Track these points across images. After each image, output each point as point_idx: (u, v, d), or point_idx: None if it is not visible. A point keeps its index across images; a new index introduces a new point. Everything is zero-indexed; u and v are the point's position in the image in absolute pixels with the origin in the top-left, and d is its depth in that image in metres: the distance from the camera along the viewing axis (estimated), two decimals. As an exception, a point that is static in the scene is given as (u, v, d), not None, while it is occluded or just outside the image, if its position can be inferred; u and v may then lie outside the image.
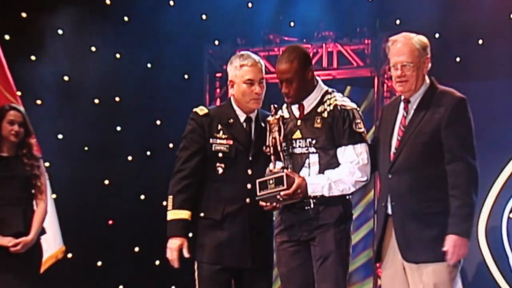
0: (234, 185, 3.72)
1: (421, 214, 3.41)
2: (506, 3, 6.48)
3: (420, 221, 3.41)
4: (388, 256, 3.55)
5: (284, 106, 3.73)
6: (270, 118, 3.64)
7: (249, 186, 3.70)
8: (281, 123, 3.61)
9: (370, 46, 6.99)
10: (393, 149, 3.51)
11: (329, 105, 3.60)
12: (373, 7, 6.81)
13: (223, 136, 3.75)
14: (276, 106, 3.66)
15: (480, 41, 6.58)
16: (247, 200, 3.71)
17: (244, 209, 3.71)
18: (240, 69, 3.77)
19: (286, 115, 3.70)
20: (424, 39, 3.54)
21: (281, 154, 3.60)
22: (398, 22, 6.73)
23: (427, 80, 3.54)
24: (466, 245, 3.34)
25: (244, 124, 3.79)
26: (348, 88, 6.86)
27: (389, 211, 3.51)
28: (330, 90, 3.69)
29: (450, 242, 3.34)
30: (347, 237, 3.60)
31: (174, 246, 3.68)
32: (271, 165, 3.64)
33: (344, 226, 3.58)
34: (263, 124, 3.80)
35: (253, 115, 3.82)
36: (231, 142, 3.75)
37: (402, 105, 3.56)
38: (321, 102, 3.63)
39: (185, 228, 3.69)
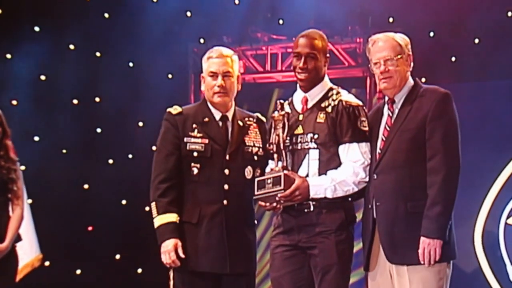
0: (211, 186, 3.70)
1: (407, 214, 3.42)
2: (503, 1, 6.51)
3: (406, 221, 3.42)
4: (378, 265, 3.53)
5: (286, 102, 3.71)
6: (275, 114, 3.62)
7: (226, 187, 3.70)
8: (286, 119, 3.59)
9: (362, 45, 7.01)
10: (378, 150, 3.54)
11: (334, 100, 3.61)
12: (365, 4, 6.81)
13: (198, 135, 3.74)
14: (282, 101, 3.65)
15: (477, 40, 6.59)
16: (225, 202, 3.70)
17: (222, 211, 3.69)
18: (207, 61, 3.80)
19: (288, 111, 3.66)
20: (405, 36, 3.58)
21: (283, 152, 3.58)
22: (391, 20, 6.73)
23: (411, 80, 3.58)
24: (438, 246, 3.36)
25: (220, 123, 3.78)
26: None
27: (375, 214, 3.50)
28: (335, 87, 3.70)
29: (421, 244, 3.39)
30: (349, 246, 3.57)
31: (169, 247, 3.63)
32: (272, 164, 3.62)
33: (346, 233, 3.55)
34: (240, 123, 3.80)
35: (229, 114, 3.81)
36: (206, 141, 3.73)
37: (386, 106, 3.60)
38: (325, 97, 3.64)
39: (176, 230, 3.65)
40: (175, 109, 3.80)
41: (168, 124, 3.77)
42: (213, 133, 3.76)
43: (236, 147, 3.75)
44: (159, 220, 3.68)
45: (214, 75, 3.75)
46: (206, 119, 3.77)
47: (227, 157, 3.73)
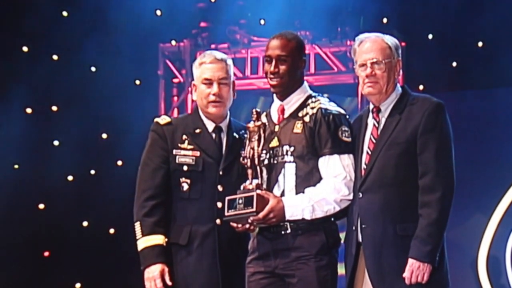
0: (202, 204, 3.73)
1: (396, 237, 3.46)
2: (509, 0, 6.61)
3: (395, 246, 3.46)
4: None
5: (264, 113, 3.74)
6: (250, 125, 3.64)
7: (219, 204, 3.72)
8: (261, 131, 3.61)
9: (353, 48, 7.07)
10: (363, 165, 3.56)
11: (312, 108, 3.64)
12: (357, 3, 6.89)
13: (189, 147, 3.78)
14: (258, 110, 3.65)
15: (480, 44, 6.69)
16: (218, 221, 3.72)
17: (214, 232, 3.72)
18: (199, 67, 3.84)
19: (265, 121, 3.69)
20: (395, 39, 3.65)
21: (258, 168, 3.60)
22: (385, 20, 6.81)
23: (399, 88, 3.63)
24: (428, 271, 3.40)
25: (213, 135, 3.83)
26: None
27: (360, 237, 3.53)
28: (314, 94, 3.72)
29: (408, 267, 3.42)
30: (331, 272, 3.57)
31: (155, 274, 3.67)
32: (247, 182, 3.63)
33: (327, 258, 3.56)
34: (236, 135, 3.85)
35: (223, 125, 3.85)
36: (198, 153, 3.78)
37: (371, 115, 3.64)
38: (303, 105, 3.66)
39: (162, 254, 3.68)
40: (163, 119, 3.85)
41: (155, 135, 3.81)
42: (206, 145, 3.79)
43: (230, 161, 3.78)
44: (143, 242, 3.70)
45: (208, 82, 3.78)
46: (198, 130, 3.81)
47: (221, 172, 3.76)
